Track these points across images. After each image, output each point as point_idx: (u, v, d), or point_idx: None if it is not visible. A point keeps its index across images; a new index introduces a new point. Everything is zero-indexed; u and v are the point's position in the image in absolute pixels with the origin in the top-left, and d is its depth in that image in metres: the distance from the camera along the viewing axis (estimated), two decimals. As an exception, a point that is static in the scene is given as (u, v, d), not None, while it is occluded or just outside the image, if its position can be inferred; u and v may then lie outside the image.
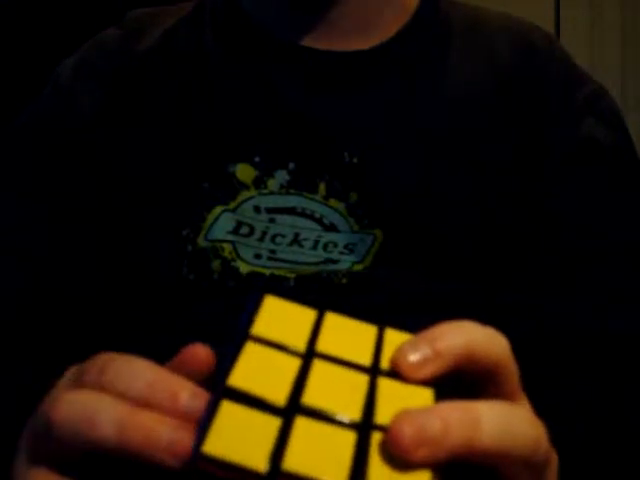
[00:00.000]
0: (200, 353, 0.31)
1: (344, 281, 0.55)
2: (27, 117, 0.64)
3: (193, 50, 0.62)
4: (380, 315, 0.54)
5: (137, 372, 0.31)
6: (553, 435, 0.52)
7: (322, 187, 0.56)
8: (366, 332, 0.32)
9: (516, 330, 0.57)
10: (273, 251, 0.56)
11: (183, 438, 0.27)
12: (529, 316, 0.58)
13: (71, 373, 0.33)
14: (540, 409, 0.55)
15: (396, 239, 0.56)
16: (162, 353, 0.58)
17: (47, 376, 0.56)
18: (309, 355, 0.30)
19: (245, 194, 0.56)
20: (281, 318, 0.32)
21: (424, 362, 0.30)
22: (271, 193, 0.56)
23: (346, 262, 0.55)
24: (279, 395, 0.28)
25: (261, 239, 0.56)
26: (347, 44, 0.60)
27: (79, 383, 0.31)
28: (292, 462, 0.26)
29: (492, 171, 0.58)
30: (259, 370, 0.29)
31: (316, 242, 0.56)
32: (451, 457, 0.27)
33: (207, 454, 0.26)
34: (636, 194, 0.61)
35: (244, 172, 0.57)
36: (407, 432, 0.27)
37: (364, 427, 0.28)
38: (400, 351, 0.30)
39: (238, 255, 0.56)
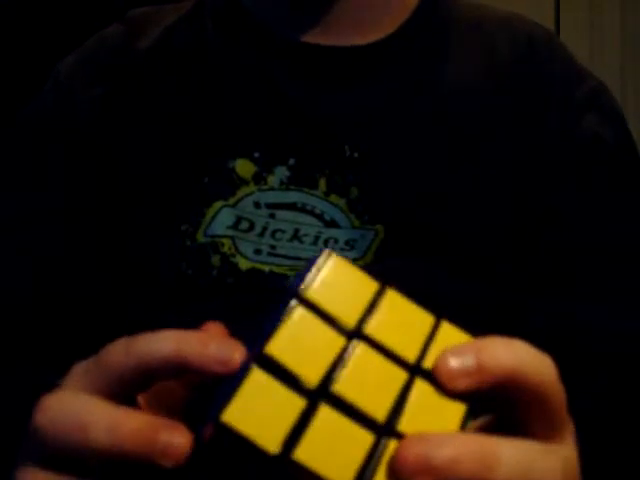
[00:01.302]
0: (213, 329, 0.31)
1: None
2: (28, 114, 0.64)
3: (193, 47, 0.62)
4: None
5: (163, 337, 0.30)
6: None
7: (322, 183, 0.56)
8: (422, 321, 0.31)
9: (517, 328, 0.58)
10: (273, 246, 0.56)
11: (178, 441, 0.27)
12: (530, 314, 0.58)
13: (80, 368, 0.32)
14: None
15: (397, 235, 0.56)
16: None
17: (48, 374, 0.57)
18: (356, 335, 0.29)
19: (245, 189, 0.56)
20: (341, 285, 0.30)
21: (463, 373, 0.28)
22: (271, 189, 0.56)
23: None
24: (312, 375, 0.27)
25: (261, 234, 0.56)
26: (347, 40, 0.60)
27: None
28: (304, 453, 0.26)
29: (493, 167, 0.58)
30: (300, 342, 0.28)
31: (316, 238, 0.55)
32: None
33: (225, 422, 0.26)
34: (637, 191, 0.61)
35: (244, 167, 0.57)
36: (411, 457, 0.26)
37: (384, 431, 0.27)
38: (443, 355, 0.29)
39: (238, 250, 0.56)
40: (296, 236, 0.55)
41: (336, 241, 0.55)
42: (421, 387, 0.29)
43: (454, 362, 0.28)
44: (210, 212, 0.56)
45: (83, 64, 0.64)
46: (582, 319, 0.56)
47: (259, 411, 0.26)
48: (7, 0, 1.48)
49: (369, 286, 0.31)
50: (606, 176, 0.60)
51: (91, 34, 0.67)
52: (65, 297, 0.59)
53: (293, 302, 0.29)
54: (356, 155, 0.56)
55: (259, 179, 0.56)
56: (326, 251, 0.31)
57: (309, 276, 0.30)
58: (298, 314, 0.29)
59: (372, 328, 0.29)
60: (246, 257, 0.55)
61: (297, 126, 0.57)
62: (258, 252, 0.55)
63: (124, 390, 0.30)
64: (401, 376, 0.29)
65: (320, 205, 0.56)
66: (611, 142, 0.60)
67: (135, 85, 0.61)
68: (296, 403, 0.27)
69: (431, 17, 0.62)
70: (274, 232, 0.56)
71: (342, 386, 0.27)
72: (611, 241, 0.58)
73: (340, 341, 0.29)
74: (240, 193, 0.56)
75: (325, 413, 0.27)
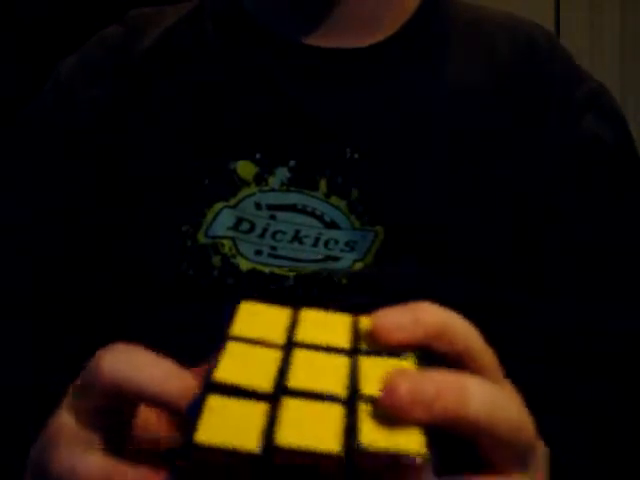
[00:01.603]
0: None
1: (344, 280, 0.55)
2: (28, 114, 0.64)
3: (194, 48, 0.62)
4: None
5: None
6: (554, 433, 0.53)
7: (323, 184, 0.56)
8: (342, 321, 0.33)
9: (517, 329, 0.58)
10: (274, 248, 0.56)
11: None
12: (529, 315, 0.58)
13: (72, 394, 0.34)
14: (541, 407, 0.55)
15: (397, 236, 0.56)
16: (162, 349, 0.58)
17: (49, 374, 0.57)
18: (289, 346, 0.31)
19: (246, 191, 0.56)
20: (258, 318, 0.32)
21: (402, 325, 0.30)
22: (272, 190, 0.56)
23: (347, 259, 0.55)
24: (264, 383, 0.28)
25: (262, 235, 0.56)
26: (348, 42, 0.60)
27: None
28: (285, 438, 0.26)
29: (493, 168, 0.58)
30: (242, 364, 0.29)
31: (317, 239, 0.56)
32: (440, 422, 0.28)
33: (200, 443, 0.26)
34: (637, 191, 0.61)
35: (245, 169, 0.57)
36: (402, 391, 0.27)
37: (351, 400, 0.28)
38: (379, 313, 0.31)
39: (238, 251, 0.56)
40: (297, 237, 0.56)
41: (336, 242, 0.55)
42: (367, 361, 0.30)
43: (391, 316, 0.31)
44: (211, 213, 0.56)
45: (83, 64, 0.64)
46: (582, 319, 0.56)
47: (228, 425, 0.27)
48: (8, 1, 1.48)
49: (284, 312, 0.33)
50: (606, 177, 0.60)
51: (91, 34, 0.67)
52: (65, 297, 0.59)
53: (223, 342, 0.31)
54: (356, 157, 0.56)
55: (260, 180, 0.56)
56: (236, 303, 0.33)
57: (230, 321, 0.32)
58: (232, 346, 0.30)
59: (301, 336, 0.31)
60: (247, 258, 0.56)
61: (298, 127, 0.57)
62: (259, 253, 0.56)
63: (103, 416, 0.32)
64: (344, 360, 0.30)
65: (320, 206, 0.56)
66: (611, 143, 0.60)
67: (135, 86, 0.61)
68: (259, 408, 0.28)
69: (431, 18, 0.62)
70: (275, 233, 0.56)
71: (295, 381, 0.29)
72: (611, 241, 0.58)
73: (277, 353, 0.30)
74: (241, 194, 0.56)
75: (290, 404, 0.28)
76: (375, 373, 0.29)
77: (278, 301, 0.54)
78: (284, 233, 0.56)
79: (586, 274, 0.58)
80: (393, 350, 0.31)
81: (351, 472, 0.26)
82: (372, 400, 0.28)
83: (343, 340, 0.32)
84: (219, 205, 0.56)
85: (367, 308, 0.54)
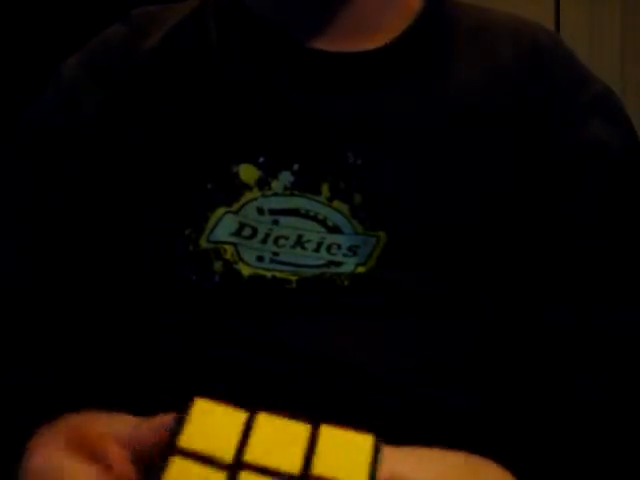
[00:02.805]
0: None
1: (346, 283, 0.55)
2: (30, 115, 0.64)
3: (197, 49, 0.62)
4: (381, 317, 0.55)
5: None
6: (552, 434, 0.53)
7: (326, 189, 0.56)
8: (298, 433, 0.31)
9: (519, 331, 0.58)
10: (276, 253, 0.56)
11: None
12: (532, 318, 0.58)
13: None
14: (542, 407, 0.55)
15: (399, 241, 0.56)
16: (163, 354, 0.58)
17: (50, 376, 0.57)
18: (236, 466, 0.30)
19: (248, 195, 0.56)
20: (210, 424, 0.31)
21: None
22: (275, 194, 0.56)
23: (349, 264, 0.55)
24: None
25: (264, 241, 0.56)
26: (351, 45, 0.60)
27: None
28: None
29: (496, 172, 0.58)
30: None
31: (319, 244, 0.55)
32: None
33: None
34: None
35: (247, 173, 0.57)
36: None
37: None
38: None
39: (240, 257, 0.56)
40: (299, 242, 0.56)
41: (339, 247, 0.55)
42: None
43: None
44: (213, 218, 0.56)
45: (85, 65, 0.63)
46: (583, 320, 0.56)
47: None
48: (8, 1, 1.47)
49: (239, 417, 0.32)
50: (612, 179, 0.60)
51: (93, 34, 0.67)
52: (66, 301, 0.59)
53: (169, 454, 0.30)
54: (359, 162, 0.56)
55: (263, 184, 0.56)
56: (195, 400, 0.32)
57: (180, 425, 0.31)
58: (176, 464, 0.29)
59: (250, 455, 0.30)
60: (249, 264, 0.55)
61: (300, 132, 0.57)
62: (261, 259, 0.56)
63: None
64: None
65: (323, 211, 0.56)
66: (617, 145, 0.60)
67: (138, 87, 0.61)
68: None
69: (435, 22, 0.62)
70: (277, 239, 0.56)
71: None
72: (616, 243, 0.58)
73: (222, 476, 0.29)
74: (244, 199, 0.56)
75: None
76: None
77: (280, 305, 0.54)
78: (286, 238, 0.56)
79: (588, 278, 0.57)
80: None
81: None
82: None
83: (295, 460, 0.30)
84: (221, 210, 0.56)
85: (369, 310, 0.55)
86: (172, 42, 0.63)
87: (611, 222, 0.58)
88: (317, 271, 0.55)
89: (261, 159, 0.57)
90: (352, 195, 0.56)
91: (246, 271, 0.55)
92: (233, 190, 0.56)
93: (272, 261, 0.55)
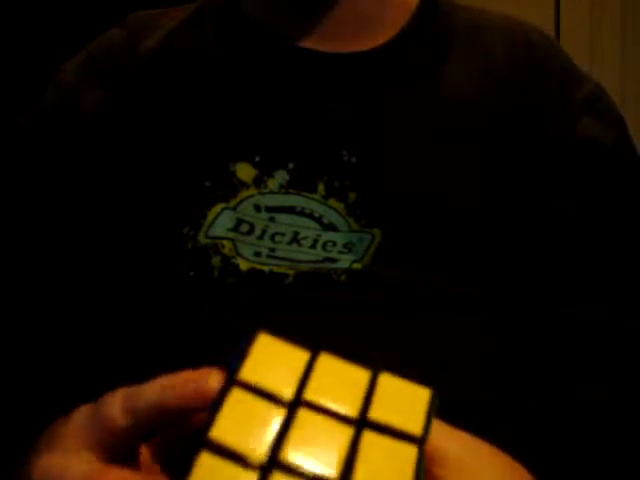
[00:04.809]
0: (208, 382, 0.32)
1: (343, 278, 0.56)
2: (30, 116, 0.64)
3: (195, 51, 0.62)
4: (377, 312, 0.55)
5: None
6: (559, 432, 0.53)
7: (321, 187, 0.57)
8: (358, 377, 0.32)
9: (516, 329, 0.58)
10: (273, 249, 0.56)
11: None
12: (529, 315, 0.58)
13: (78, 420, 0.35)
14: (543, 405, 0.55)
15: (394, 238, 0.56)
16: (163, 349, 0.58)
17: (50, 377, 0.57)
18: (295, 404, 0.30)
19: (245, 193, 0.57)
20: (272, 360, 0.31)
21: None
22: (271, 192, 0.57)
23: (345, 261, 0.56)
24: (258, 451, 0.28)
25: (261, 237, 0.56)
26: (347, 45, 0.60)
27: None
28: None
29: (491, 171, 0.58)
30: (241, 422, 0.29)
31: (315, 241, 0.56)
32: None
33: None
34: (636, 193, 0.61)
35: (244, 171, 0.57)
36: None
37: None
38: None
39: (238, 252, 0.56)
40: (295, 239, 0.56)
41: (334, 244, 0.56)
42: (370, 439, 0.29)
43: None
44: (211, 214, 0.57)
45: (85, 67, 0.64)
46: (583, 320, 0.57)
47: None
48: (9, 2, 1.48)
49: (301, 355, 0.32)
50: (605, 177, 0.60)
51: (93, 36, 0.67)
52: (66, 299, 0.60)
53: (229, 385, 0.30)
54: (354, 160, 0.57)
55: (259, 182, 0.57)
56: (254, 333, 0.32)
57: (242, 357, 0.31)
58: (235, 395, 0.30)
59: (310, 393, 0.30)
60: (246, 259, 0.56)
61: (296, 131, 0.58)
62: (258, 254, 0.56)
63: (121, 444, 0.33)
64: (347, 433, 0.29)
65: (319, 209, 0.56)
66: (609, 144, 0.61)
67: (137, 88, 0.62)
68: (249, 476, 0.27)
69: (430, 22, 0.63)
70: (273, 235, 0.56)
71: (290, 454, 0.28)
72: (610, 242, 0.59)
73: (281, 412, 0.30)
74: (241, 196, 0.57)
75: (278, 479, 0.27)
76: (374, 456, 0.29)
77: (277, 299, 0.54)
78: (283, 235, 0.56)
79: (585, 276, 0.58)
80: (400, 433, 0.30)
81: None
82: None
83: (353, 403, 0.30)
84: (219, 206, 0.57)
85: (366, 305, 0.55)
86: (170, 44, 0.63)
87: (604, 218, 0.59)
88: (313, 266, 0.56)
89: (257, 158, 0.57)
90: (347, 193, 0.56)
91: (244, 265, 0.56)
92: (230, 188, 0.57)
93: (269, 256, 0.56)
